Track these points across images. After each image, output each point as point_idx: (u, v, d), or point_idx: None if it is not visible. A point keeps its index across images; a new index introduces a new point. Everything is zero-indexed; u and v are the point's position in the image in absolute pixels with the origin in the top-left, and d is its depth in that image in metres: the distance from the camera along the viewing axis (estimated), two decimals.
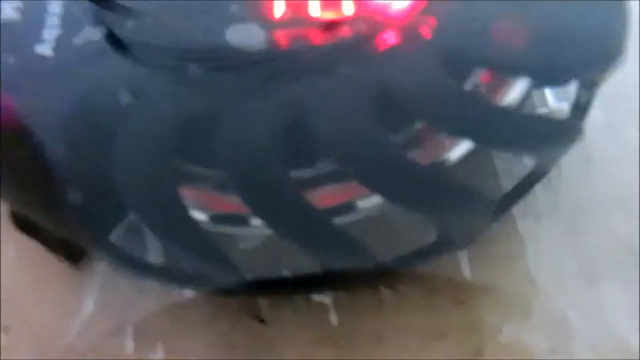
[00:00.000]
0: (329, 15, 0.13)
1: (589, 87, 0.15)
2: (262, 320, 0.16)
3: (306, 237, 0.12)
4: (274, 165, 0.12)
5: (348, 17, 0.13)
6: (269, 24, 0.13)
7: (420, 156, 0.13)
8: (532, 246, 0.16)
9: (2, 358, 0.15)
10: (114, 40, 0.13)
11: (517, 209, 0.16)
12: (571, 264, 0.16)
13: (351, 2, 0.13)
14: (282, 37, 0.13)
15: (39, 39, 0.12)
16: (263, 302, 0.16)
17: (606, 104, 0.18)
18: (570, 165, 0.17)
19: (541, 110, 0.17)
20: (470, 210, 0.13)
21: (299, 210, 0.12)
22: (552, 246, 0.16)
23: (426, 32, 0.13)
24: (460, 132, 0.13)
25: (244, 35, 0.13)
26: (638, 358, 0.15)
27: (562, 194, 0.17)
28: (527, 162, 0.17)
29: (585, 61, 0.13)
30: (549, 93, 0.17)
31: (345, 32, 0.13)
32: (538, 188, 0.17)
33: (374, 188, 0.13)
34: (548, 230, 0.16)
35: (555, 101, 0.18)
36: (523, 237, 0.16)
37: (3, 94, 0.12)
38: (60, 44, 0.12)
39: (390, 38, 0.13)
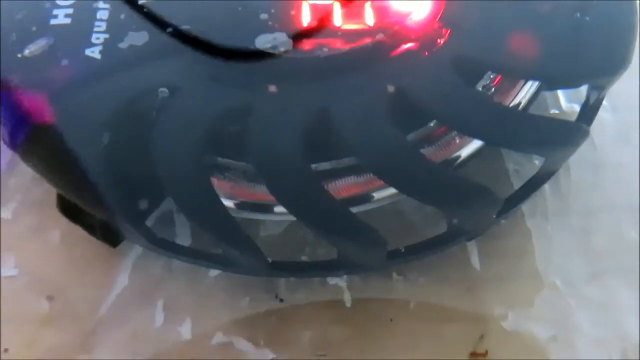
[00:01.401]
0: (351, 25, 0.14)
1: (598, 90, 0.15)
2: (281, 300, 0.17)
3: (325, 224, 0.13)
4: (298, 159, 0.13)
5: (369, 27, 0.14)
6: (295, 32, 0.14)
7: (432, 154, 0.14)
8: (540, 242, 0.17)
9: (45, 325, 0.16)
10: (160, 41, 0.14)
11: (526, 207, 0.17)
12: (577, 261, 0.17)
13: (372, 13, 0.14)
14: (307, 44, 0.14)
15: (88, 43, 0.14)
16: (282, 283, 0.17)
17: (617, 109, 0.18)
18: (579, 169, 0.18)
19: (553, 111, 0.18)
20: (478, 205, 0.14)
21: (319, 200, 0.13)
22: (560, 244, 0.17)
23: (440, 40, 0.14)
24: (470, 132, 0.14)
25: (272, 43, 0.14)
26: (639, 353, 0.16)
27: (571, 195, 0.17)
28: (537, 162, 0.17)
29: (594, 67, 0.14)
30: (561, 94, 0.18)
31: (365, 40, 0.14)
32: (547, 189, 0.17)
33: (389, 182, 0.14)
34: (556, 228, 0.17)
35: (567, 102, 0.18)
36: (531, 233, 0.17)
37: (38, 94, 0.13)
38: (107, 47, 0.14)
39: (407, 46, 0.14)
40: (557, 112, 0.18)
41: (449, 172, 0.14)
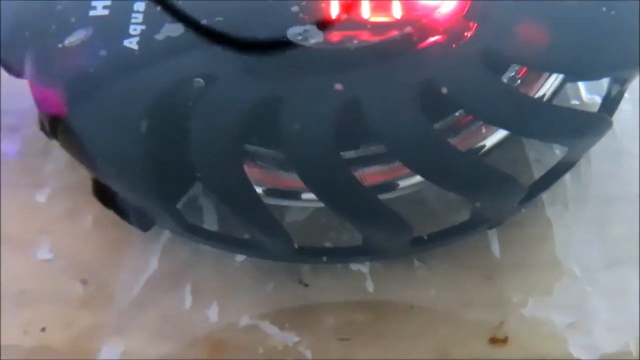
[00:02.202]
0: (379, 17, 0.14)
1: (619, 83, 0.16)
2: (305, 285, 0.17)
3: (353, 210, 0.14)
4: (328, 147, 0.14)
5: (396, 20, 0.14)
6: (325, 25, 0.14)
7: (458, 142, 0.15)
8: (559, 231, 0.17)
9: (79, 306, 0.17)
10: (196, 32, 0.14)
11: (546, 196, 0.18)
12: (595, 250, 0.17)
13: (400, 6, 0.15)
14: (336, 36, 0.14)
15: (126, 34, 0.14)
16: (306, 268, 0.17)
17: (637, 100, 0.18)
18: (600, 158, 0.18)
19: (574, 102, 0.18)
20: (502, 193, 0.14)
21: (348, 186, 0.14)
22: (578, 232, 0.17)
23: (467, 33, 0.14)
24: (496, 122, 0.14)
25: (303, 34, 0.14)
26: None
27: (591, 185, 0.18)
28: (558, 152, 0.18)
29: (618, 60, 0.14)
30: (582, 86, 0.18)
31: (393, 32, 0.14)
32: (568, 178, 0.18)
33: (415, 169, 0.14)
34: (575, 217, 0.17)
35: (588, 94, 0.18)
36: (551, 221, 0.17)
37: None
38: (144, 38, 0.14)
39: (435, 38, 0.14)
40: (577, 103, 0.18)
41: (475, 160, 0.14)
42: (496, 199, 0.14)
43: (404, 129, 0.14)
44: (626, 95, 0.17)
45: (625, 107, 0.18)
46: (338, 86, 0.14)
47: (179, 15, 0.14)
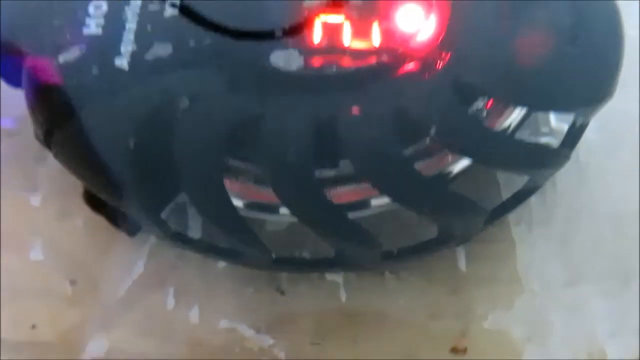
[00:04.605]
0: (359, 44, 0.15)
1: (583, 116, 0.17)
2: (282, 292, 0.18)
3: (324, 227, 0.15)
4: (303, 165, 0.14)
5: (375, 48, 0.15)
6: (306, 50, 0.15)
7: (426, 167, 0.16)
8: (523, 250, 0.18)
9: (68, 304, 0.18)
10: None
11: (512, 217, 0.18)
12: (557, 269, 0.18)
13: (378, 34, 0.15)
14: (317, 61, 0.15)
15: (117, 53, 0.15)
16: (284, 277, 0.18)
17: (603, 126, 0.19)
18: (566, 182, 0.19)
19: (543, 129, 0.19)
20: (463, 217, 0.15)
21: (319, 204, 0.15)
22: (541, 252, 0.18)
23: (440, 63, 0.15)
24: (460, 151, 0.15)
25: (285, 59, 0.15)
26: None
27: (556, 207, 0.19)
28: (526, 176, 0.19)
29: (581, 97, 0.15)
30: (551, 114, 0.19)
31: (371, 59, 0.15)
32: (533, 200, 0.19)
33: (384, 191, 0.15)
34: (539, 237, 0.18)
35: (556, 121, 0.19)
36: (515, 241, 0.18)
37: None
38: (134, 58, 0.15)
39: (409, 67, 0.15)
40: (546, 130, 0.19)
41: (439, 186, 0.15)
42: (458, 222, 0.15)
43: (373, 151, 0.14)
44: (592, 123, 0.18)
45: (592, 134, 0.19)
46: (355, 109, 0.15)
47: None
